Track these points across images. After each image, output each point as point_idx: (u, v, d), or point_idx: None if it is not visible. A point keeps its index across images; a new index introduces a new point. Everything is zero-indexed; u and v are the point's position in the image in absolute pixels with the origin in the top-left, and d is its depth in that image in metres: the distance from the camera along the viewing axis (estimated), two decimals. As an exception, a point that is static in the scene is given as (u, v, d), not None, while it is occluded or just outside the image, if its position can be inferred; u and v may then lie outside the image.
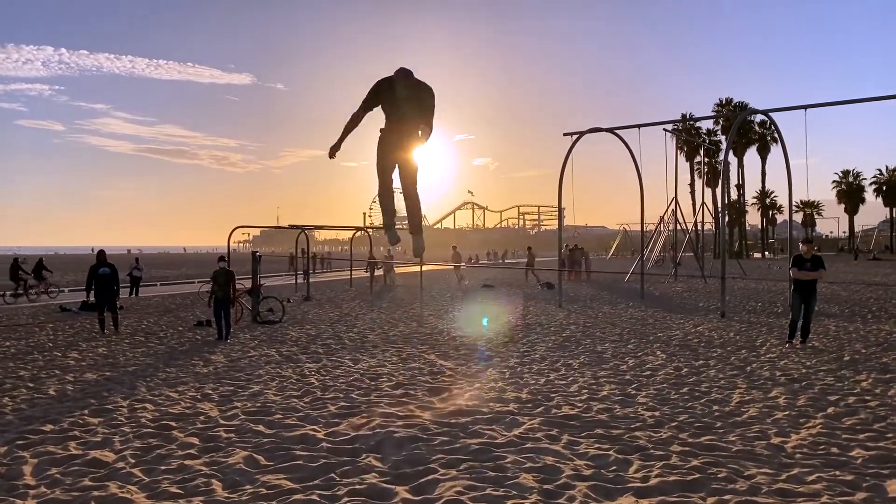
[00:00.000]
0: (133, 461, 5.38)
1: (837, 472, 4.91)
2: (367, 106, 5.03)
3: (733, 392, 7.67)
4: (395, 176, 5.25)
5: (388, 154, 5.11)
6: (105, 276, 13.86)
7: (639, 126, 21.23)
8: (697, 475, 4.87)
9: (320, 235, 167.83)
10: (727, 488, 4.62)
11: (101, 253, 14.35)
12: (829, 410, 6.76)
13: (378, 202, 5.43)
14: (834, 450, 5.47)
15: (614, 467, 5.13)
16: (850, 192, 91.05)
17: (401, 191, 5.32)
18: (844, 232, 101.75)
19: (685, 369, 9.11)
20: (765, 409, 6.83)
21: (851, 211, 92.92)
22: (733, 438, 5.81)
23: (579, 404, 7.12)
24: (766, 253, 79.57)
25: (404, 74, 4.87)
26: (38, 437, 6.08)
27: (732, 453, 5.40)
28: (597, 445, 5.66)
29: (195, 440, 5.95)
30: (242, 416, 6.77)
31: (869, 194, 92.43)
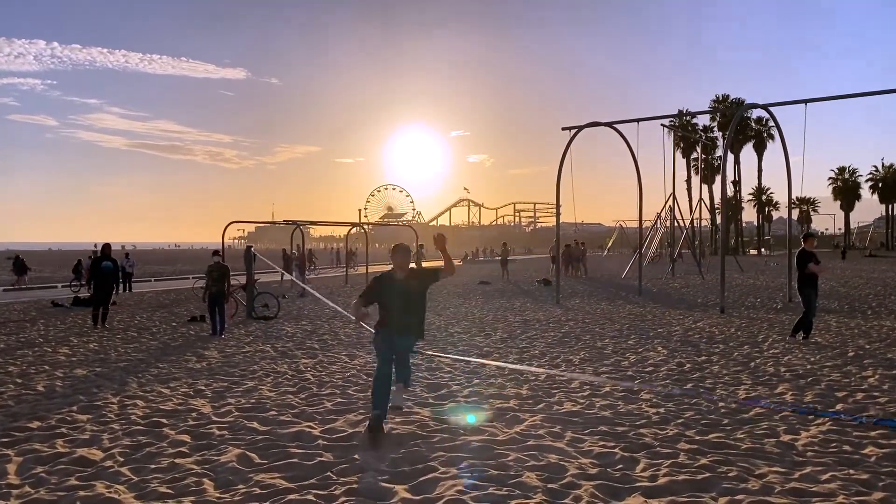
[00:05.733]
0: (122, 459, 5.18)
1: (851, 471, 4.74)
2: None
3: (738, 388, 7.50)
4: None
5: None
6: (108, 270, 13.73)
7: (637, 120, 21.09)
8: (707, 474, 4.70)
9: (315, 231, 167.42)
10: (739, 487, 4.45)
11: (107, 246, 14.13)
12: (838, 407, 6.60)
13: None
14: (846, 447, 5.30)
15: (620, 465, 4.95)
16: (845, 189, 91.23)
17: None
18: (840, 229, 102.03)
19: (688, 365, 8.95)
20: (772, 406, 6.66)
21: (847, 207, 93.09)
22: (742, 436, 5.64)
23: (581, 401, 6.94)
24: (763, 249, 79.66)
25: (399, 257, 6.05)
26: (24, 434, 5.87)
27: (742, 451, 5.23)
28: (601, 443, 5.48)
29: (187, 437, 5.76)
30: (236, 413, 6.57)
31: (865, 191, 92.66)
